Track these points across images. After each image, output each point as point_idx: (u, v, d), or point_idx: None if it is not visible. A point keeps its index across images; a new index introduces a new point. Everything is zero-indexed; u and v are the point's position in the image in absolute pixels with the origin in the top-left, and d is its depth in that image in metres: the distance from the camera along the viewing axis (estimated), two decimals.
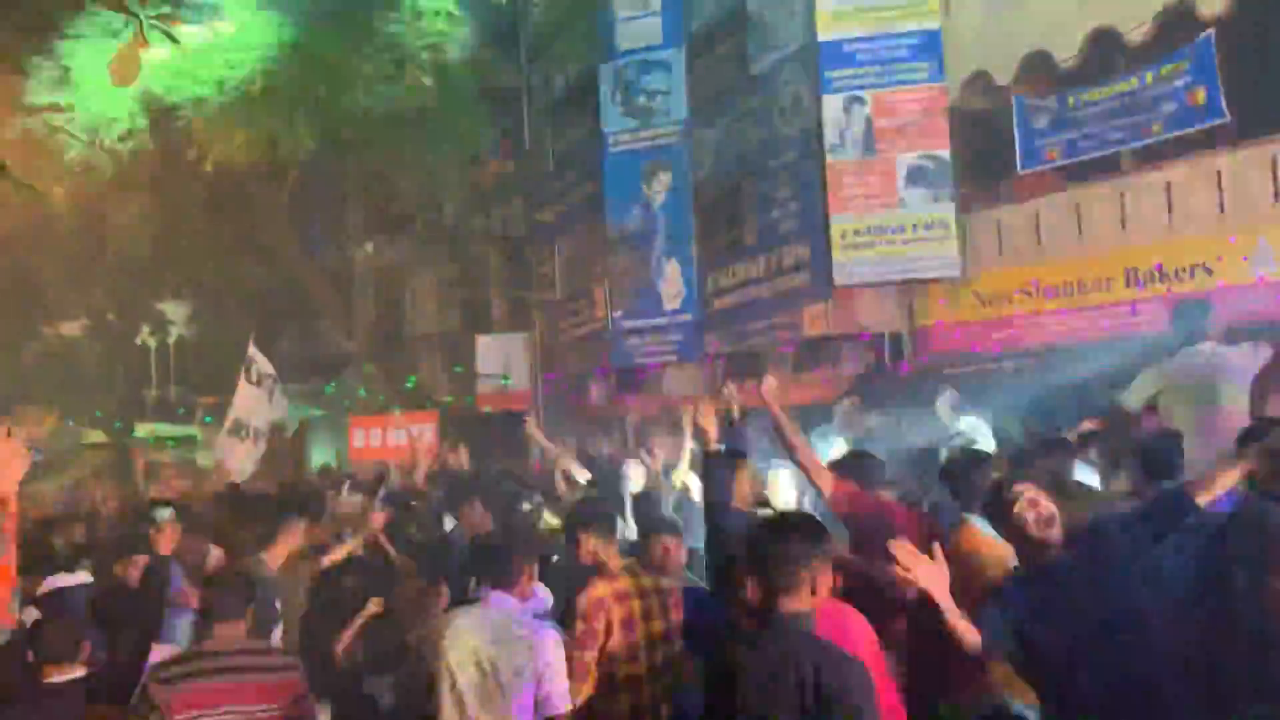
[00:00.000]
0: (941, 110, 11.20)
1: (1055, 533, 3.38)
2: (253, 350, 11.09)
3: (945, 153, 11.17)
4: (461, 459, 8.85)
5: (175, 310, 19.96)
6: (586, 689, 4.10)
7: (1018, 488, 3.48)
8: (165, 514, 5.94)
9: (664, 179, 14.26)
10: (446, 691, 3.68)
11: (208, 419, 19.40)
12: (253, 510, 7.03)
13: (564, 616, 4.36)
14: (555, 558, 5.32)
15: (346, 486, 7.23)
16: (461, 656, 3.70)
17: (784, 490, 6.32)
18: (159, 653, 4.61)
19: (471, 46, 13.16)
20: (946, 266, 11.10)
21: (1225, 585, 3.64)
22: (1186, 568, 3.70)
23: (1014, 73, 10.62)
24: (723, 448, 4.94)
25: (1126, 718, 3.23)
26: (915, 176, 11.19)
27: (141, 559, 5.55)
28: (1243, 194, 9.02)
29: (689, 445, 7.11)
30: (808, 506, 6.03)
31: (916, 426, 10.58)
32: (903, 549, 3.26)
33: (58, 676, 3.83)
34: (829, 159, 11.43)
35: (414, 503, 7.22)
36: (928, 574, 3.28)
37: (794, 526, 3.02)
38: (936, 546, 3.39)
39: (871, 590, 3.90)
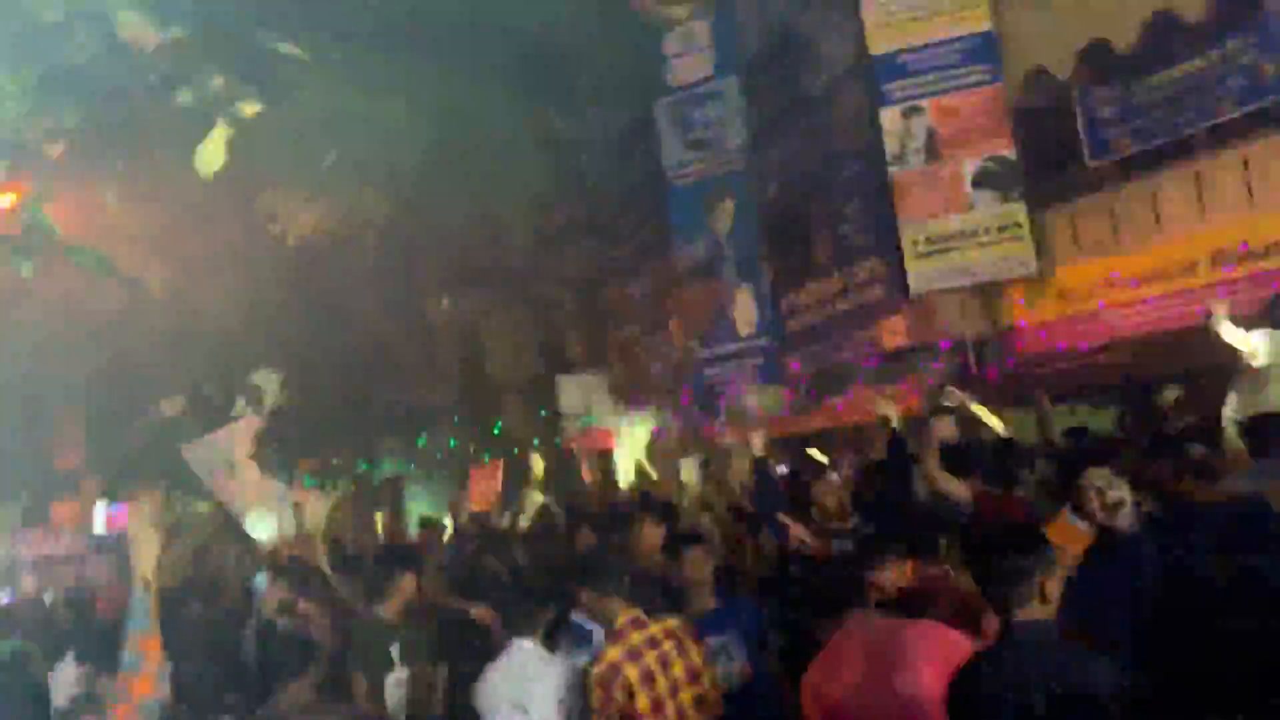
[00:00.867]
0: (1003, 111, 11.14)
1: (1122, 518, 3.41)
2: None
3: (1010, 153, 11.09)
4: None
5: (267, 379, 20.58)
6: None
7: (1090, 477, 3.55)
8: (260, 581, 6.13)
9: (728, 207, 14.38)
10: None
11: (309, 481, 19.93)
12: (356, 566, 7.23)
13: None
14: None
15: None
16: None
17: None
18: None
19: (529, 97, 13.51)
20: (1023, 266, 10.98)
21: None
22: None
23: (1073, 65, 10.52)
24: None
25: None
26: (982, 179, 11.13)
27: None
28: None
29: None
30: None
31: (1013, 426, 10.48)
32: None
33: None
34: (892, 170, 11.42)
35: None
36: None
37: (1020, 539, 3.06)
38: None
39: None
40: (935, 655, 3.45)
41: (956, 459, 5.41)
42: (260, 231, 11.19)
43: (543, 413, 18.47)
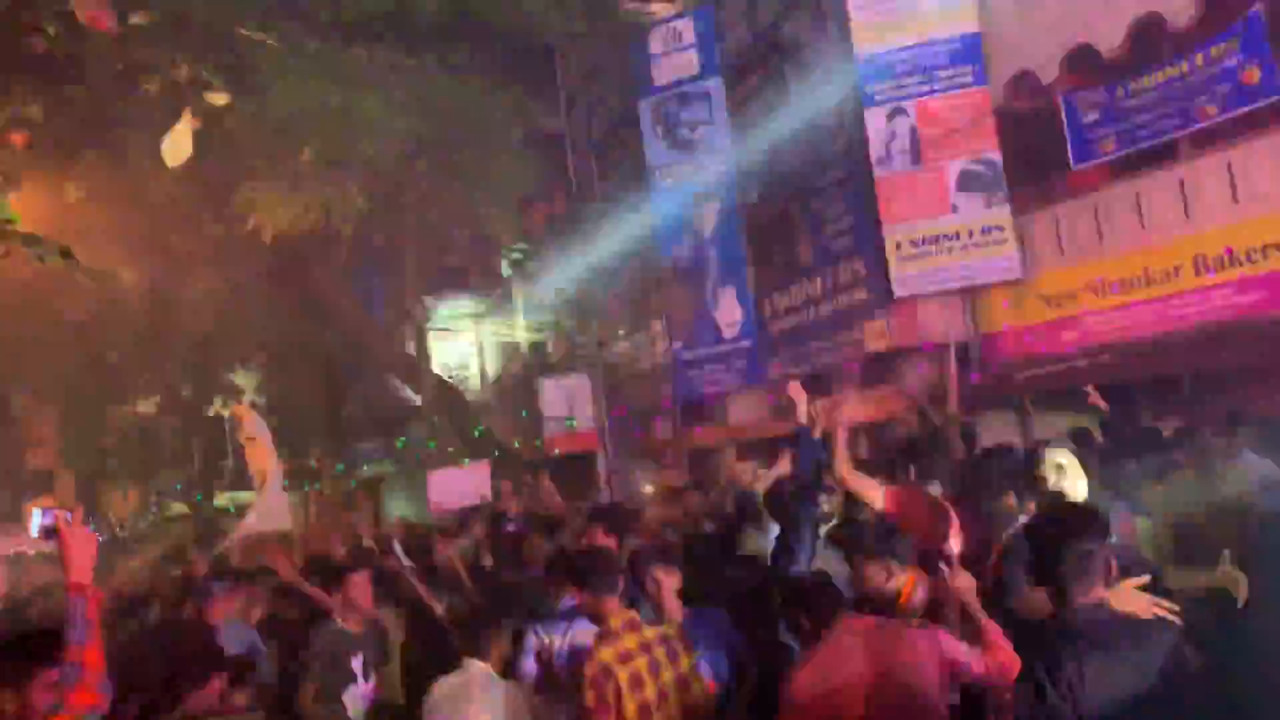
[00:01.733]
0: (987, 114, 11.08)
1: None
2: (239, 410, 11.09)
3: (995, 155, 11.04)
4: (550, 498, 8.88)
5: (245, 379, 20.39)
6: None
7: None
8: (219, 586, 6.11)
9: (712, 208, 14.29)
10: None
11: (285, 483, 19.73)
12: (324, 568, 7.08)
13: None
14: None
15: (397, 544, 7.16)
16: None
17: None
18: None
19: (512, 94, 13.35)
20: (1007, 270, 10.93)
21: None
22: None
23: (1058, 69, 10.48)
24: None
25: None
26: (966, 182, 11.06)
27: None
28: None
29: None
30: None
31: (991, 433, 10.41)
32: None
33: None
34: (877, 172, 11.34)
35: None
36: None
37: (1082, 520, 3.03)
38: None
39: None
40: (937, 656, 3.57)
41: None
42: (236, 228, 11.00)
43: (524, 414, 18.34)
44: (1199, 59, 9.36)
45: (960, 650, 3.61)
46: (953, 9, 11.20)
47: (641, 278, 16.00)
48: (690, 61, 14.29)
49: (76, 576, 2.94)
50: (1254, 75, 8.97)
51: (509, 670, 4.59)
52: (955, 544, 4.12)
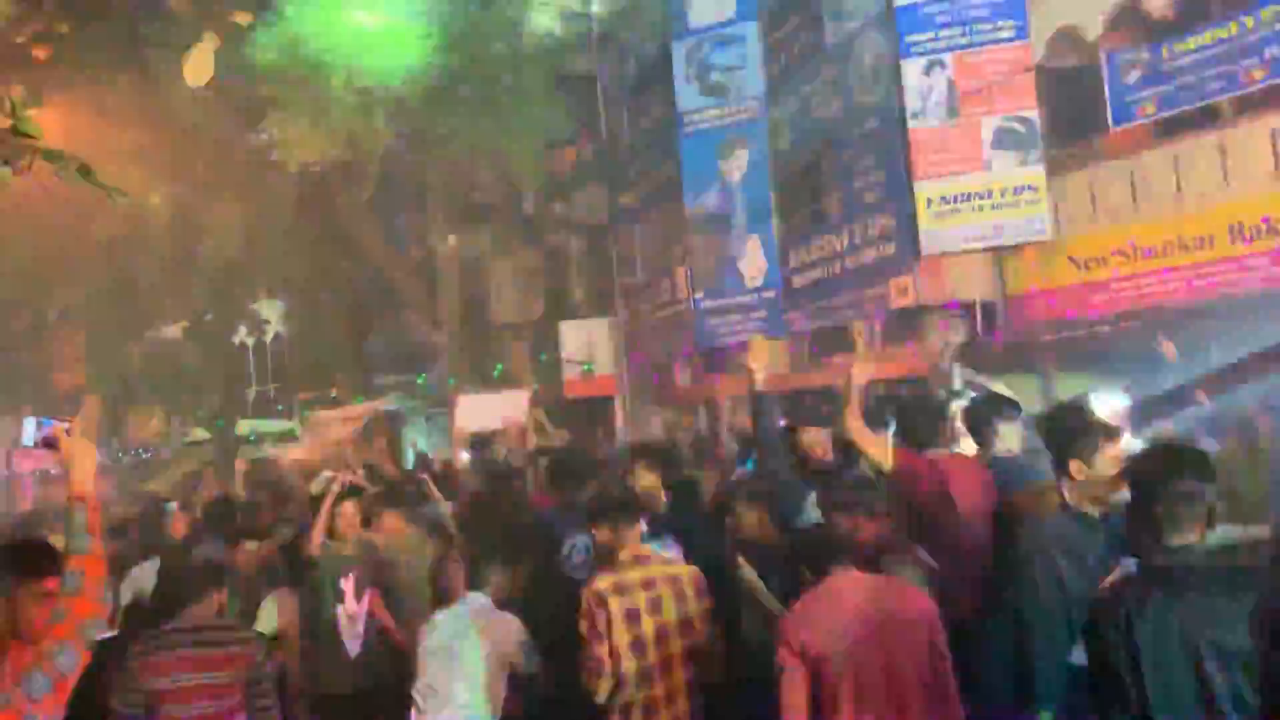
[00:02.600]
0: (1027, 70, 10.83)
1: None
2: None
3: (1033, 113, 10.81)
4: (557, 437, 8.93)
5: (270, 309, 20.49)
6: (604, 684, 4.07)
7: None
8: (170, 507, 6.50)
9: (741, 156, 14.11)
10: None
11: (305, 412, 19.90)
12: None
13: None
14: None
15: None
16: None
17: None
18: None
19: (544, 33, 13.21)
20: (1038, 230, 10.75)
21: None
22: None
23: (1102, 26, 10.22)
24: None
25: None
26: (1002, 139, 10.85)
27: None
28: None
29: None
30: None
31: (1016, 393, 10.33)
32: None
33: None
34: (911, 126, 11.14)
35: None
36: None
37: (1192, 460, 2.95)
38: None
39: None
40: (930, 620, 3.60)
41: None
42: (262, 155, 10.98)
43: (544, 357, 18.37)
44: (1249, 21, 9.09)
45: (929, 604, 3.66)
46: None
47: (668, 223, 15.89)
48: (727, 4, 14.03)
49: (78, 487, 2.95)
50: None
51: (508, 603, 4.63)
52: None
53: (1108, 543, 3.54)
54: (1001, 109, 10.89)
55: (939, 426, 4.90)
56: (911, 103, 11.16)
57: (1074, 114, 10.76)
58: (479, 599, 4.53)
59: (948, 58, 11.08)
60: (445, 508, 6.81)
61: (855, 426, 4.57)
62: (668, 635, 4.16)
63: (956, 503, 4.35)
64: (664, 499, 5.27)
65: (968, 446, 4.90)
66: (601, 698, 4.08)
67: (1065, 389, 9.88)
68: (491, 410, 11.04)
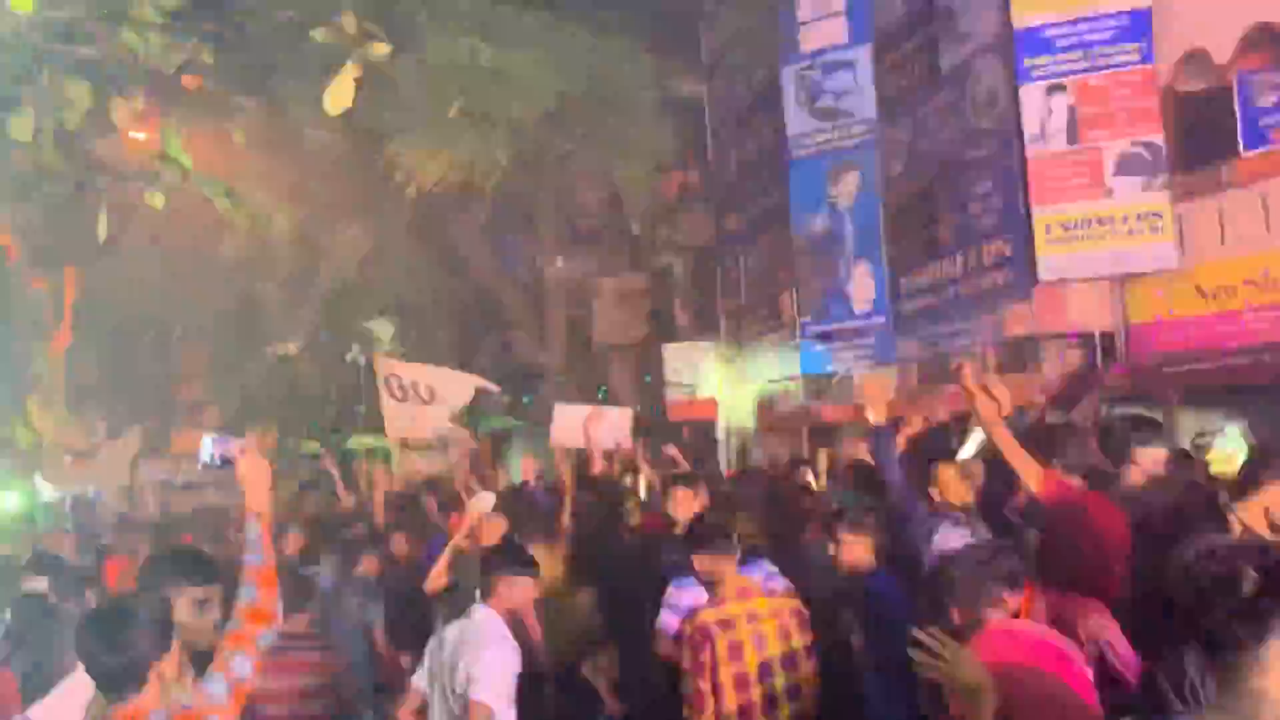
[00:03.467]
0: (1153, 94, 10.52)
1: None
2: (389, 364, 11.35)
3: (1158, 138, 10.48)
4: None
5: (382, 328, 21.05)
6: (706, 719, 4.02)
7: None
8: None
9: (851, 181, 14.00)
10: None
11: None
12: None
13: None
14: None
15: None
16: None
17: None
18: None
19: (655, 57, 13.35)
20: (1162, 259, 10.40)
21: None
22: None
23: (1234, 48, 9.85)
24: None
25: None
26: (1125, 165, 10.54)
27: None
28: None
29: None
30: None
31: None
32: None
33: None
34: (1029, 151, 10.91)
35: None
36: None
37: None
38: None
39: None
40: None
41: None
42: (383, 181, 11.34)
43: (647, 379, 18.45)
44: None
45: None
46: None
47: (774, 248, 15.84)
48: (839, 29, 13.97)
49: (253, 504, 3.09)
50: None
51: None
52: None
53: None
54: (1125, 134, 10.59)
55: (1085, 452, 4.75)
56: (1030, 128, 10.93)
57: (1202, 139, 10.40)
58: (480, 610, 4.47)
59: (1068, 81, 10.83)
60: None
61: (1008, 444, 4.35)
62: (772, 671, 4.10)
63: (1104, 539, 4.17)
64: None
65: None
66: None
67: (1190, 425, 9.52)
68: (593, 426, 11.09)
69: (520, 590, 4.48)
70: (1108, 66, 10.71)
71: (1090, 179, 10.68)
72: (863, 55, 13.78)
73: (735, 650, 4.09)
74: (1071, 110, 10.80)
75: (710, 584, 4.34)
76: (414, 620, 5.95)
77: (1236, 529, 3.68)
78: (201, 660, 2.98)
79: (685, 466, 8.15)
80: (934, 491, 5.30)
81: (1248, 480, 3.75)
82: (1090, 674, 3.15)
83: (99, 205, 7.96)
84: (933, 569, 4.02)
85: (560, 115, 11.40)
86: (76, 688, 3.08)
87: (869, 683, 4.31)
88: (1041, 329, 11.15)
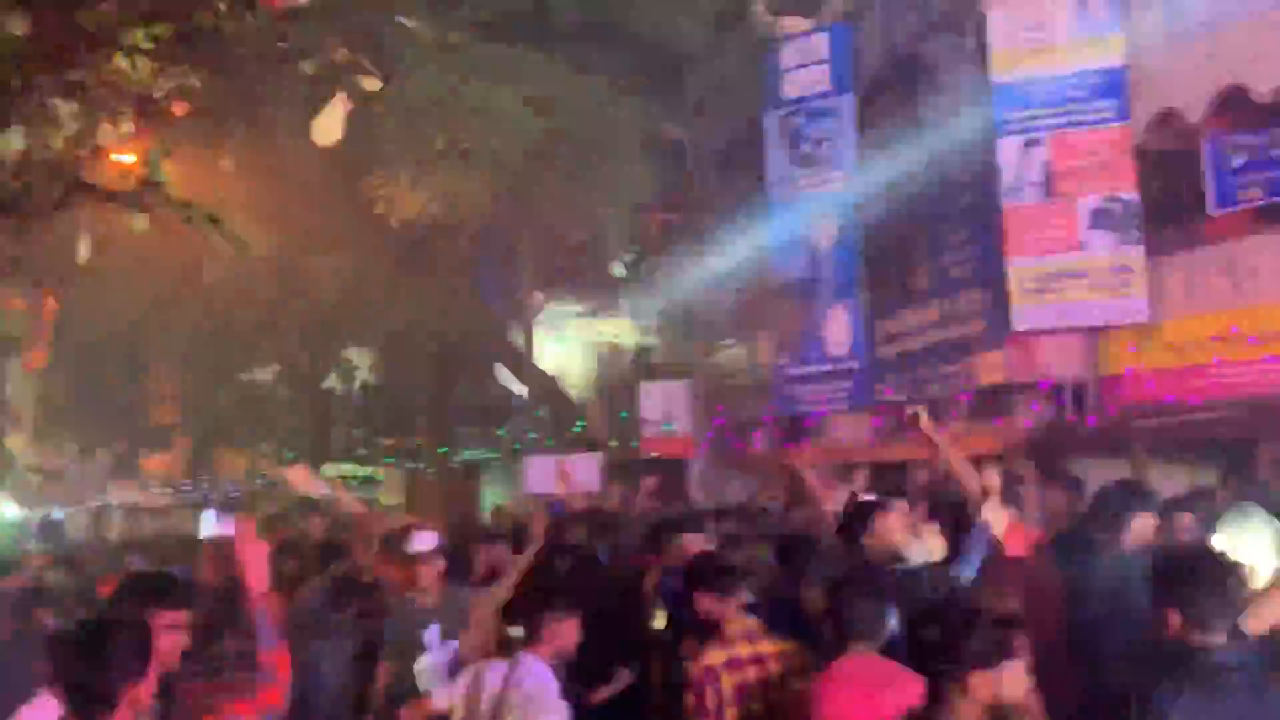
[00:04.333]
0: (1127, 151, 10.74)
1: None
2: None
3: (1132, 194, 10.69)
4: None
5: (360, 357, 21.00)
6: None
7: None
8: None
9: (831, 225, 14.17)
10: None
11: (388, 459, 20.25)
12: None
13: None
14: None
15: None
16: None
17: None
18: None
19: (639, 100, 13.50)
20: (1134, 312, 10.58)
21: None
22: None
23: (1206, 109, 10.10)
24: None
25: None
26: (1099, 219, 10.74)
27: None
28: None
29: None
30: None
31: (1105, 479, 10.08)
32: None
33: None
34: (1005, 203, 11.10)
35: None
36: None
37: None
38: None
39: None
40: None
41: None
42: (365, 211, 11.39)
43: (624, 416, 18.47)
44: None
45: None
46: (1098, 41, 10.89)
47: (752, 290, 15.96)
48: (822, 77, 14.19)
49: (257, 588, 3.10)
50: None
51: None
52: None
53: None
54: (1099, 189, 10.79)
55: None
56: (1006, 179, 11.13)
57: (1175, 197, 10.63)
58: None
59: (1045, 136, 11.05)
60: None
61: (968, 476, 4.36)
62: (775, 716, 4.06)
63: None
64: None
65: None
66: None
67: (1157, 476, 9.64)
68: (564, 473, 11.09)
69: (568, 629, 4.37)
70: (1083, 123, 10.93)
71: (1065, 232, 10.87)
72: (845, 104, 14.00)
73: (742, 692, 4.05)
74: (1047, 164, 11.00)
75: (712, 624, 4.30)
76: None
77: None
78: (164, 687, 2.96)
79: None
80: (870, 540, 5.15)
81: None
82: None
83: (81, 227, 7.96)
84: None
85: (542, 153, 11.50)
86: (38, 713, 3.04)
87: None
88: (1014, 378, 11.28)
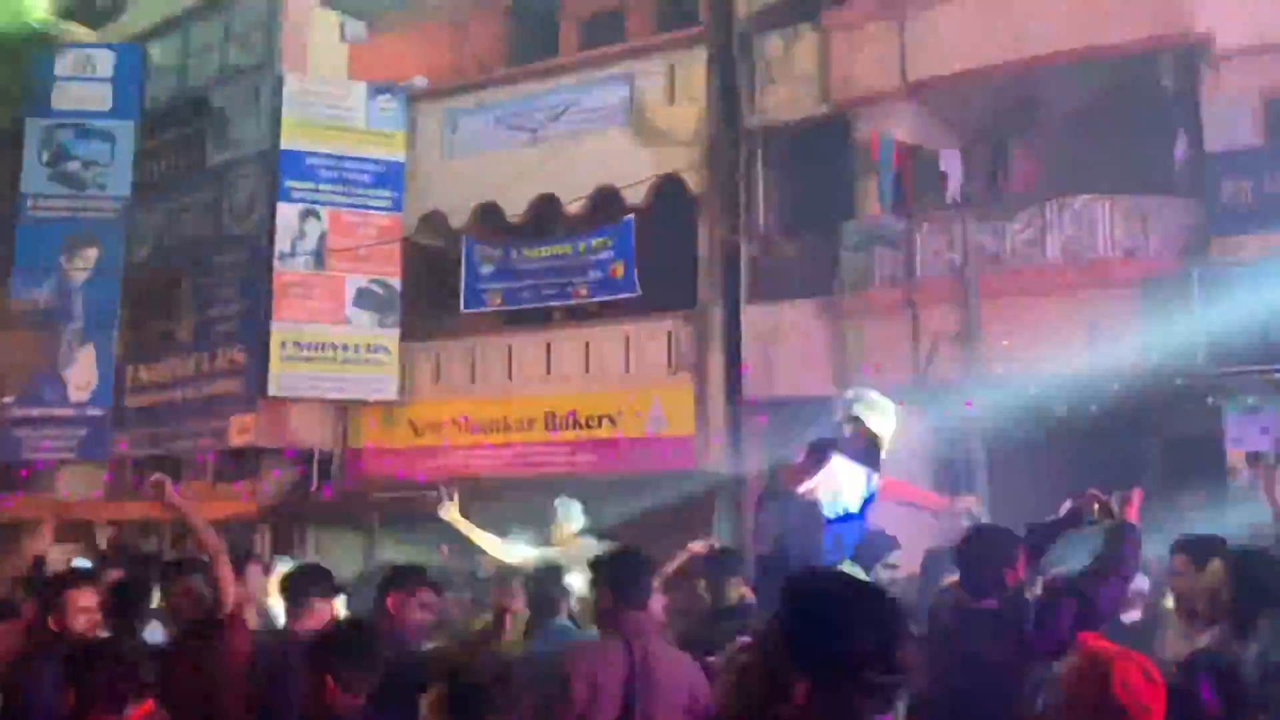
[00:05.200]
0: (396, 239, 11.49)
1: None
2: None
3: (396, 280, 11.44)
4: None
5: None
6: None
7: None
8: None
9: (90, 255, 12.82)
10: None
11: None
12: None
13: None
14: None
15: None
16: None
17: None
18: None
19: None
20: (384, 389, 11.23)
21: None
22: None
23: (468, 218, 11.26)
24: None
25: None
26: (363, 299, 11.30)
27: None
28: (642, 360, 10.28)
29: None
30: None
31: (340, 549, 10.38)
32: None
33: None
34: (277, 266, 11.14)
35: None
36: None
37: None
38: None
39: None
40: None
41: None
42: None
43: None
44: (581, 245, 10.66)
45: None
46: (384, 135, 11.60)
47: None
48: (102, 96, 12.93)
49: None
50: (618, 270, 10.43)
51: None
52: None
53: None
54: (367, 270, 11.37)
55: None
56: (281, 244, 11.19)
57: (432, 290, 11.59)
58: None
59: (324, 210, 11.36)
60: None
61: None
62: None
63: None
64: None
65: None
66: None
67: (388, 549, 10.20)
68: None
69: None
70: (361, 205, 11.50)
71: (331, 305, 11.22)
72: (123, 129, 12.90)
73: None
74: (323, 237, 11.31)
75: None
76: None
77: None
78: None
79: None
80: None
81: None
82: None
83: None
84: None
85: None
86: None
87: None
88: (265, 441, 11.20)
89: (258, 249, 11.33)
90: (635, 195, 10.40)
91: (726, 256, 9.98)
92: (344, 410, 11.34)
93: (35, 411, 12.69)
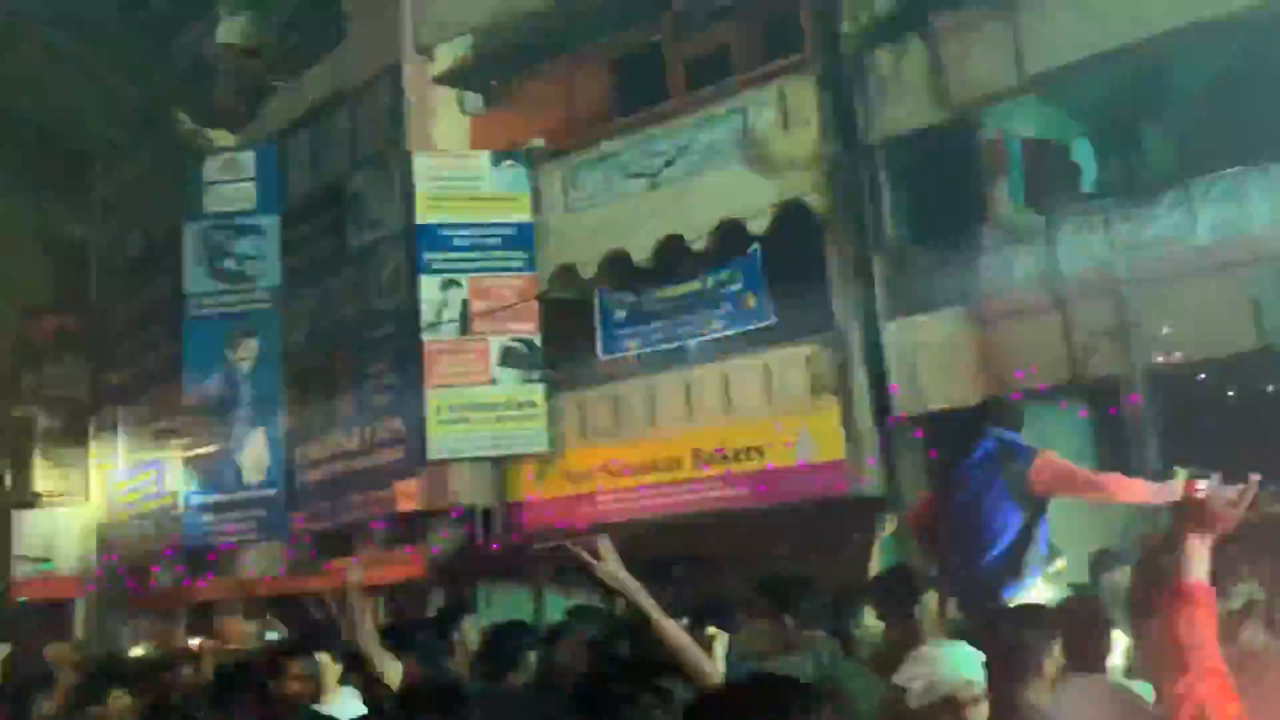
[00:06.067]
0: (532, 297, 11.84)
1: None
2: None
3: (535, 336, 11.77)
4: None
5: None
6: None
7: None
8: None
9: (251, 345, 13.63)
10: None
11: None
12: None
13: None
14: None
15: None
16: None
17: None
18: None
19: (37, 192, 12.16)
20: (535, 443, 11.53)
21: None
22: None
23: (597, 268, 11.53)
24: None
25: None
26: (508, 357, 11.66)
27: None
28: (783, 387, 10.27)
29: None
30: None
31: (509, 602, 10.64)
32: None
33: None
34: (425, 337, 11.62)
35: None
36: None
37: None
38: None
39: None
40: None
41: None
42: None
43: None
44: (710, 281, 10.79)
45: None
46: (512, 197, 12.01)
47: (160, 408, 14.74)
48: (247, 194, 13.79)
49: None
50: (750, 301, 10.50)
51: None
52: None
53: None
54: (509, 329, 11.74)
55: None
56: (427, 315, 11.67)
57: (571, 341, 11.88)
58: None
59: (463, 278, 11.81)
60: None
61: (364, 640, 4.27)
62: None
63: None
64: None
65: None
66: None
67: (556, 601, 10.39)
68: None
69: None
70: (497, 269, 11.90)
71: (478, 367, 11.63)
72: (270, 224, 13.72)
73: None
74: (465, 303, 11.75)
75: None
76: None
77: None
78: None
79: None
80: None
81: None
82: None
83: None
84: None
85: None
86: None
87: None
88: (430, 505, 11.62)
89: (405, 322, 11.84)
90: (759, 225, 10.45)
91: (859, 275, 9.92)
92: (501, 467, 11.67)
93: (215, 498, 13.50)
